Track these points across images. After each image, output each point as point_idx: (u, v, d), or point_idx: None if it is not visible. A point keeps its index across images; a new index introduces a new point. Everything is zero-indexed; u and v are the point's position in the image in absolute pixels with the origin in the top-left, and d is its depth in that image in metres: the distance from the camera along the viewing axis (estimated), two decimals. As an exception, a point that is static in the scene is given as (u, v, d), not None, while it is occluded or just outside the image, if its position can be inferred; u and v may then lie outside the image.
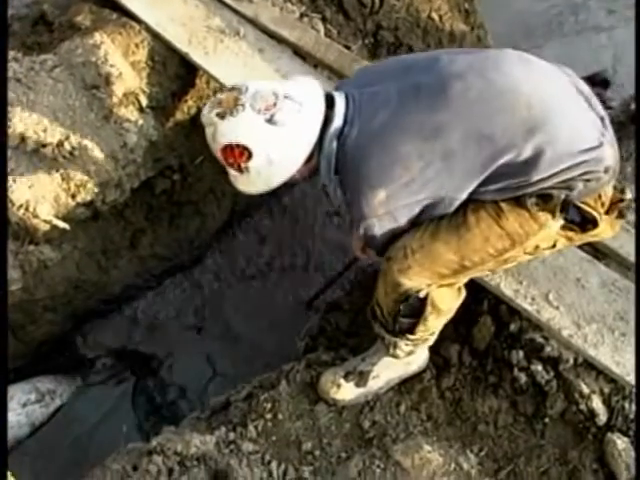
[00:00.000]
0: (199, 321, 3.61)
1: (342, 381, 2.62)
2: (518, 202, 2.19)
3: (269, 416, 2.60)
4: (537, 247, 2.28)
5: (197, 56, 3.16)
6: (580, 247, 2.69)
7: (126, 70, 3.07)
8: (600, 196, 2.23)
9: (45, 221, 2.87)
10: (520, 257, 2.33)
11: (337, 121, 2.14)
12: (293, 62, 3.19)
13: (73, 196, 2.92)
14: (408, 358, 2.57)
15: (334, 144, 2.14)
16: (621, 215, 2.35)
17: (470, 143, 2.05)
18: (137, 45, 3.17)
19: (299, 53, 3.21)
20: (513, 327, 2.62)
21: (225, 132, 2.16)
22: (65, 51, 3.10)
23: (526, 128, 2.04)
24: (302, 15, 3.36)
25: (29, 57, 3.10)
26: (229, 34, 3.25)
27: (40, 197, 2.85)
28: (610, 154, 2.16)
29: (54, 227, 2.91)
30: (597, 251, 2.74)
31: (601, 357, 2.47)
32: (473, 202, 2.21)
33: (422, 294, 2.28)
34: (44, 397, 3.17)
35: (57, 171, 2.88)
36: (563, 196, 2.15)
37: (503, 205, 2.19)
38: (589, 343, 2.50)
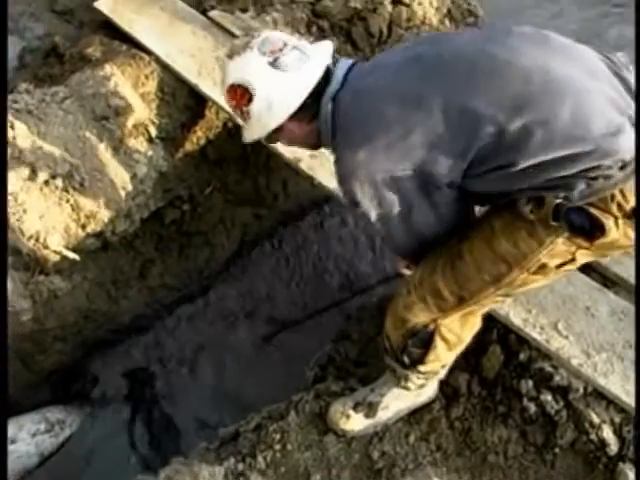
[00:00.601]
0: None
1: (351, 412, 2.63)
2: (513, 214, 2.14)
3: (278, 447, 2.61)
4: (545, 266, 2.14)
5: (206, 87, 3.23)
6: (589, 275, 2.71)
7: (136, 101, 3.15)
8: (614, 196, 2.00)
9: (55, 252, 2.93)
10: (529, 279, 2.20)
11: (334, 84, 2.15)
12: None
13: (83, 227, 2.99)
14: (418, 390, 2.60)
15: (329, 106, 2.14)
16: None
17: (453, 115, 1.99)
18: (147, 76, 3.26)
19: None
20: (522, 356, 2.63)
21: (230, 71, 2.20)
22: (76, 83, 3.18)
23: (515, 104, 1.96)
24: (310, 46, 3.44)
25: (40, 89, 3.19)
26: (238, 64, 3.32)
27: (50, 228, 2.91)
28: (628, 147, 1.97)
29: (64, 257, 2.97)
30: (606, 279, 2.75)
31: (611, 386, 2.47)
32: (463, 231, 2.23)
33: (430, 328, 2.30)
34: (53, 427, 3.19)
35: (67, 202, 2.95)
36: (559, 200, 2.02)
37: (496, 224, 2.17)
38: (599, 372, 2.50)
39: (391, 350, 2.46)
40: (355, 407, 2.64)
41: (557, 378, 2.54)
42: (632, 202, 1.98)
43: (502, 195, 2.15)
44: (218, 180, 3.60)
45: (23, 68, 3.61)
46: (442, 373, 2.56)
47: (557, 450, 2.51)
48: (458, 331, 2.37)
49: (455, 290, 2.23)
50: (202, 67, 3.30)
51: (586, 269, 2.74)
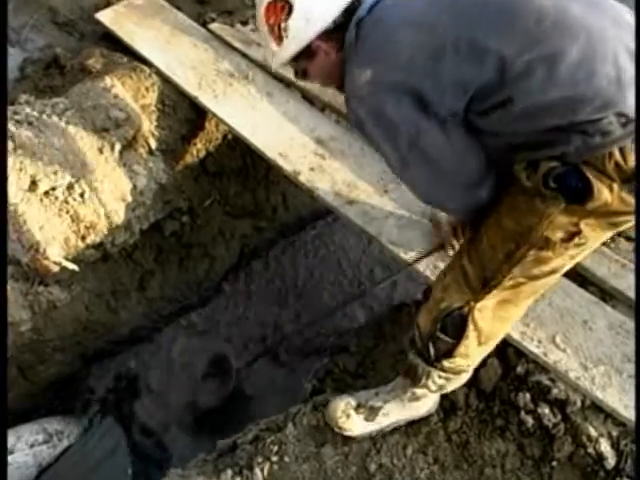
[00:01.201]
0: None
1: (352, 412, 2.65)
2: (517, 188, 2.16)
3: (275, 459, 2.63)
4: (549, 240, 2.13)
5: (206, 99, 3.28)
6: (587, 289, 2.75)
7: (136, 113, 3.20)
8: (612, 155, 1.95)
9: (55, 262, 2.98)
10: (541, 256, 2.18)
11: (362, 10, 2.16)
12: (301, 106, 3.32)
13: (83, 238, 3.03)
14: (422, 399, 2.60)
15: (353, 32, 2.16)
16: None
17: (462, 46, 1.99)
18: (147, 88, 3.31)
19: (307, 97, 3.35)
20: (520, 369, 2.64)
21: None
22: (76, 94, 3.23)
23: (524, 40, 1.95)
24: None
25: (41, 100, 3.23)
26: (238, 77, 3.39)
27: (50, 238, 2.95)
28: (630, 102, 1.91)
29: (64, 268, 3.00)
30: (604, 293, 2.78)
31: (609, 399, 2.49)
32: (487, 212, 2.27)
33: (464, 311, 2.29)
34: (52, 438, 3.20)
35: (67, 213, 2.99)
36: (552, 163, 2.02)
37: (504, 202, 2.22)
38: (597, 385, 2.52)
39: (419, 340, 2.44)
40: (357, 408, 2.66)
41: (555, 391, 2.55)
42: (632, 163, 1.95)
43: (508, 148, 2.16)
44: (218, 192, 3.65)
45: (24, 79, 3.65)
46: (464, 377, 2.53)
47: (554, 463, 2.52)
48: (490, 320, 2.32)
49: (478, 271, 2.25)
50: (202, 79, 3.36)
51: (584, 283, 2.79)
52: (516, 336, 2.64)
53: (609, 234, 2.18)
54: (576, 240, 2.12)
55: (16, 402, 3.17)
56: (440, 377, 2.46)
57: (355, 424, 2.65)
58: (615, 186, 1.98)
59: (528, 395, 2.60)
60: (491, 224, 2.24)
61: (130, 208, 3.10)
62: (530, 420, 2.57)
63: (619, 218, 2.08)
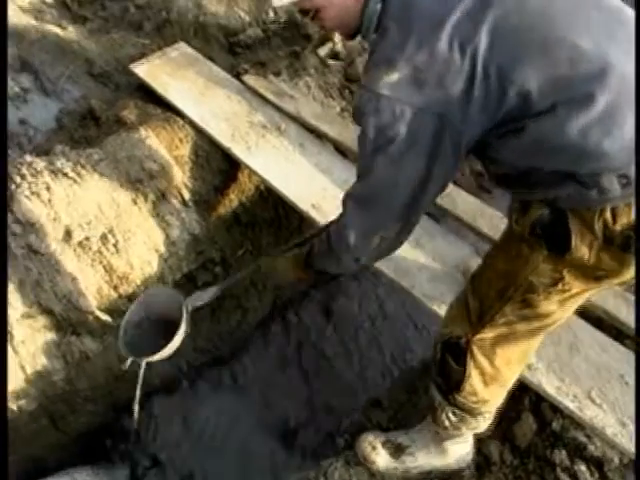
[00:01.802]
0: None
1: (379, 446, 2.75)
2: (509, 230, 2.19)
3: (308, 513, 2.68)
4: (533, 285, 2.12)
5: (239, 151, 3.37)
6: (623, 343, 2.76)
7: (170, 165, 3.29)
8: (603, 212, 1.92)
9: (88, 313, 3.06)
10: (530, 299, 2.17)
11: None
12: (334, 157, 3.39)
13: (115, 288, 3.10)
14: (449, 445, 2.64)
15: (378, 6, 2.04)
16: (626, 246, 1.96)
17: (490, 72, 1.86)
18: (181, 140, 3.40)
19: (339, 148, 3.42)
20: (555, 425, 2.67)
21: None
22: (111, 145, 3.33)
23: (557, 82, 1.85)
24: (342, 110, 3.59)
25: (76, 151, 3.33)
26: (271, 129, 3.48)
27: (84, 289, 3.03)
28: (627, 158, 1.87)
29: (96, 318, 3.08)
30: (640, 347, 2.80)
31: (647, 457, 2.47)
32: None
33: (462, 341, 2.33)
34: (82, 488, 3.25)
35: (101, 263, 3.08)
36: (541, 211, 2.00)
37: (498, 241, 2.31)
38: (635, 442, 2.49)
39: (434, 366, 2.51)
40: (384, 443, 2.76)
41: (591, 448, 2.57)
42: (619, 227, 1.92)
43: (504, 179, 2.12)
44: (250, 243, 3.70)
45: (60, 130, 3.76)
46: (482, 423, 2.54)
47: (591, 522, 2.53)
48: (491, 357, 2.35)
49: (477, 304, 2.29)
50: (236, 131, 3.45)
51: (619, 336, 2.80)
52: (551, 391, 2.64)
53: (597, 286, 2.16)
54: (559, 287, 2.11)
55: (47, 452, 3.21)
56: (455, 414, 2.50)
57: (380, 457, 2.74)
58: (595, 244, 1.97)
59: (564, 452, 2.61)
60: (489, 259, 2.32)
61: (163, 259, 3.18)
62: (566, 478, 2.58)
63: (599, 273, 2.06)
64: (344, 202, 2.22)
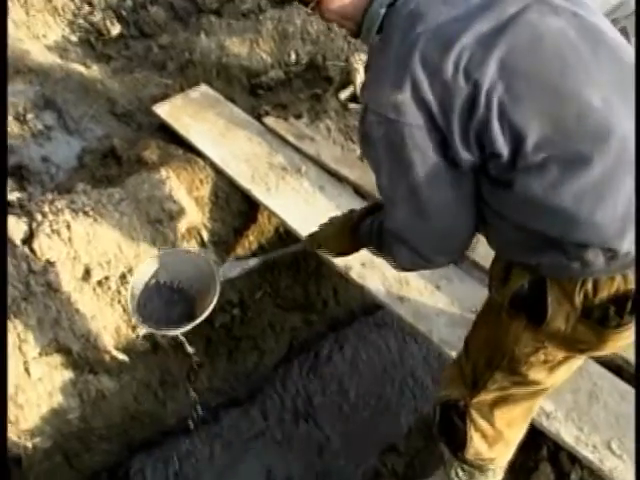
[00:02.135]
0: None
1: None
2: (491, 299, 2.16)
3: None
4: (515, 353, 2.07)
5: (259, 192, 3.42)
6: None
7: (190, 205, 3.34)
8: (585, 283, 1.87)
9: (105, 352, 3.09)
10: (516, 367, 2.12)
11: None
12: (353, 200, 3.42)
13: (134, 328, 3.14)
14: None
15: (382, 10, 1.93)
16: (604, 320, 1.90)
17: (491, 102, 1.76)
18: (201, 181, 3.46)
19: (359, 191, 3.45)
20: (574, 476, 2.64)
21: None
22: (132, 185, 3.39)
23: (557, 135, 1.77)
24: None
25: (97, 190, 3.39)
26: (291, 171, 3.53)
27: (102, 328, 3.07)
28: (627, 242, 1.79)
29: (114, 358, 3.12)
30: (662, 397, 2.78)
31: (667, 510, 2.45)
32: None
33: (461, 404, 2.32)
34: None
35: (119, 303, 3.12)
36: (522, 281, 1.95)
37: (481, 311, 2.27)
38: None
39: (434, 426, 2.50)
40: None
41: (611, 500, 2.54)
42: (599, 300, 1.87)
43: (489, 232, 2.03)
44: (269, 285, 3.75)
45: (82, 168, 3.84)
46: (492, 478, 2.52)
47: None
48: (490, 418, 2.32)
49: (470, 369, 2.27)
50: (256, 172, 3.50)
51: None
52: (570, 440, 2.64)
53: (583, 356, 2.12)
54: (543, 357, 2.07)
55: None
56: (463, 470, 2.50)
57: None
58: (572, 316, 1.91)
59: (583, 503, 2.59)
60: (476, 327, 2.31)
61: (181, 298, 3.21)
62: (584, 529, 2.56)
63: (579, 345, 2.01)
64: (383, 235, 2.10)
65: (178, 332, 2.59)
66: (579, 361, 2.15)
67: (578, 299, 1.89)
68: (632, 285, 1.87)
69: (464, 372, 2.30)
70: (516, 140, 1.76)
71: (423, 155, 1.82)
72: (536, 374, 2.12)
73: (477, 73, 1.74)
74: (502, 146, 1.77)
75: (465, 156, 1.81)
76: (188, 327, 2.49)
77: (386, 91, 1.81)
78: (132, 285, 2.54)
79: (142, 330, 2.66)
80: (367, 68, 2.02)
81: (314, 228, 2.59)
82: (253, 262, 2.70)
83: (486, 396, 2.26)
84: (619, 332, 1.91)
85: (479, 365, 2.22)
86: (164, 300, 2.61)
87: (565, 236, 1.81)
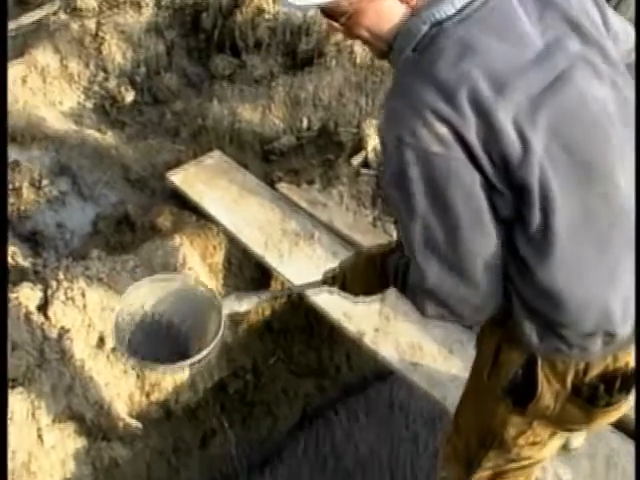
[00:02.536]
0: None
1: None
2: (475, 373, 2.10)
3: None
4: (503, 436, 2.02)
5: (272, 259, 3.48)
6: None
7: (203, 272, 3.40)
8: (577, 363, 1.84)
9: (118, 419, 3.12)
10: (503, 447, 2.07)
11: (450, 4, 1.67)
12: (366, 266, 3.47)
13: (147, 395, 3.17)
14: None
15: (424, 27, 1.68)
16: (593, 399, 1.86)
17: (530, 159, 1.63)
18: (215, 247, 3.53)
19: (371, 257, 3.51)
20: None
21: None
22: (146, 252, 3.46)
23: (575, 211, 1.68)
24: (375, 220, 3.70)
25: (112, 257, 3.47)
26: (304, 237, 3.59)
27: (115, 395, 3.11)
28: (626, 327, 1.77)
29: (127, 425, 3.14)
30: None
31: None
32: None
33: None
34: None
35: (133, 370, 3.16)
36: (514, 367, 1.88)
37: (466, 393, 2.19)
38: None
39: None
40: None
41: None
42: (589, 378, 1.84)
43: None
44: (282, 351, 3.79)
45: (96, 234, 3.92)
46: None
47: None
48: None
49: (462, 447, 2.21)
50: (269, 239, 3.56)
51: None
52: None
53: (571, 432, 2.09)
54: (531, 438, 2.02)
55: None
56: None
57: None
58: (562, 394, 1.87)
59: None
60: (464, 403, 2.23)
61: (194, 366, 3.25)
62: None
63: (567, 425, 1.98)
64: (408, 286, 1.89)
65: (170, 369, 2.44)
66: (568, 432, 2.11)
67: (569, 379, 1.85)
68: (621, 363, 1.86)
69: (457, 450, 2.25)
70: (546, 213, 1.65)
71: (467, 195, 1.64)
72: (527, 452, 2.08)
73: (529, 131, 1.61)
74: (534, 214, 1.64)
75: (500, 205, 1.67)
76: (185, 364, 2.26)
77: (428, 122, 1.61)
78: (117, 314, 2.27)
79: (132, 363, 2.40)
80: (394, 93, 1.74)
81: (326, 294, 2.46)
82: (264, 295, 2.55)
83: (482, 473, 2.21)
84: (608, 411, 1.89)
85: (472, 443, 2.16)
86: (149, 334, 2.32)
87: (575, 325, 1.75)
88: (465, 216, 1.65)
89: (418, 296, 1.83)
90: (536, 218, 1.65)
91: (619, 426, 2.82)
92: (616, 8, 6.65)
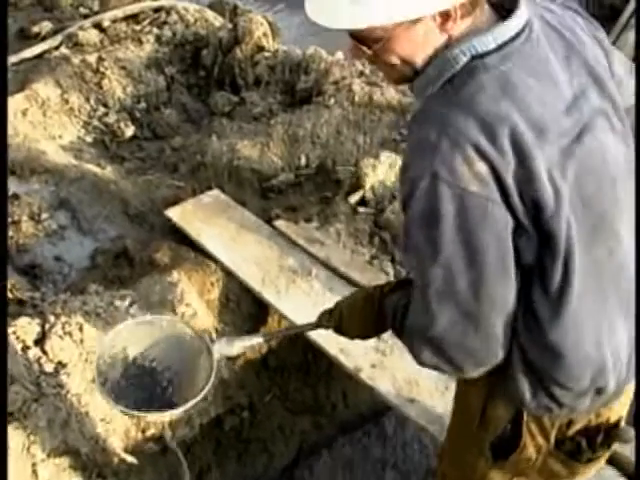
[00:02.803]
0: None
1: None
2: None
3: None
4: None
5: (270, 295, 3.51)
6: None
7: (201, 308, 3.42)
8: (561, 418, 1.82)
9: (114, 454, 3.13)
10: None
11: (491, 37, 1.61)
12: (364, 303, 3.51)
13: (143, 431, 3.18)
14: None
15: (464, 58, 1.61)
16: (576, 454, 1.86)
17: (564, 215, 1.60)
18: (212, 284, 3.55)
19: (369, 292, 3.55)
20: None
21: None
22: (144, 287, 3.48)
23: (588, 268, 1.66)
24: (372, 258, 3.73)
25: (109, 292, 3.49)
26: (301, 274, 3.62)
27: (111, 430, 3.11)
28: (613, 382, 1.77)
29: (122, 460, 3.14)
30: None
31: None
32: None
33: None
34: None
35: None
36: (503, 423, 1.85)
37: (448, 446, 2.20)
38: None
39: None
40: None
41: None
42: (572, 432, 1.84)
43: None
44: (278, 388, 3.79)
45: (94, 269, 3.95)
46: None
47: None
48: None
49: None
50: (266, 275, 3.59)
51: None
52: None
53: None
54: None
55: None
56: None
57: None
58: (545, 447, 1.86)
59: None
60: (447, 451, 2.22)
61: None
62: None
63: (549, 479, 1.94)
64: (405, 328, 1.84)
65: (156, 416, 2.36)
66: None
67: (553, 433, 1.84)
68: (603, 419, 1.86)
69: None
70: (567, 267, 1.63)
71: (498, 238, 1.58)
72: None
73: (560, 181, 1.58)
74: (557, 267, 1.62)
75: (524, 248, 1.62)
76: (177, 411, 2.18)
77: (469, 158, 1.54)
78: (98, 356, 2.17)
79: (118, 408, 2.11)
80: (427, 123, 1.63)
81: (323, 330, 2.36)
82: (256, 339, 2.42)
83: None
84: (590, 466, 1.88)
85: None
86: (131, 381, 2.22)
87: (572, 382, 1.73)
88: (492, 260, 1.59)
89: (416, 342, 1.77)
90: (558, 271, 1.62)
91: (614, 464, 2.81)
92: (615, 43, 6.81)
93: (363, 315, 2.12)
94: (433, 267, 1.60)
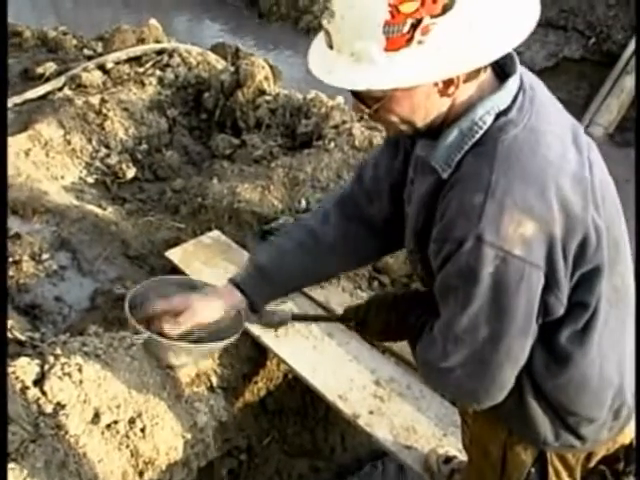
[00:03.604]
0: None
1: None
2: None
3: None
4: None
5: (268, 338, 3.52)
6: None
7: (201, 350, 3.46)
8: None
9: (111, 497, 3.14)
10: None
11: (506, 97, 1.65)
12: (362, 346, 3.53)
13: (141, 473, 3.17)
14: None
15: (489, 118, 1.63)
16: None
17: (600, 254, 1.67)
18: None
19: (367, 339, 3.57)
20: None
21: None
22: (143, 333, 3.51)
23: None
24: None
25: (109, 333, 3.51)
26: (300, 318, 3.65)
27: (108, 472, 3.11)
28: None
29: (119, 504, 3.16)
30: None
31: None
32: None
33: None
34: None
35: (127, 447, 3.17)
36: (527, 467, 1.87)
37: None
38: None
39: None
40: None
41: None
42: (593, 463, 1.87)
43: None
44: (276, 431, 3.80)
45: (94, 310, 3.97)
46: None
47: None
48: None
49: None
50: (265, 319, 3.63)
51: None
52: None
53: None
54: None
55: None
56: None
57: None
58: None
59: None
60: None
61: (189, 445, 3.27)
62: None
63: None
64: (420, 359, 1.90)
65: (197, 350, 2.52)
66: None
67: (578, 469, 1.86)
68: (618, 445, 1.90)
69: None
70: (599, 298, 1.69)
71: (529, 300, 1.61)
72: None
73: (594, 213, 1.63)
74: (591, 306, 1.68)
75: (555, 304, 1.66)
76: (220, 345, 2.45)
77: (516, 220, 1.55)
78: (130, 297, 2.55)
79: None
80: (472, 187, 1.62)
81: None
82: (286, 317, 2.62)
83: None
84: None
85: None
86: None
87: (592, 410, 1.79)
88: (519, 320, 1.62)
89: (424, 366, 1.86)
90: (592, 306, 1.68)
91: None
92: (612, 89, 6.89)
93: (388, 319, 2.15)
94: (460, 315, 1.66)
